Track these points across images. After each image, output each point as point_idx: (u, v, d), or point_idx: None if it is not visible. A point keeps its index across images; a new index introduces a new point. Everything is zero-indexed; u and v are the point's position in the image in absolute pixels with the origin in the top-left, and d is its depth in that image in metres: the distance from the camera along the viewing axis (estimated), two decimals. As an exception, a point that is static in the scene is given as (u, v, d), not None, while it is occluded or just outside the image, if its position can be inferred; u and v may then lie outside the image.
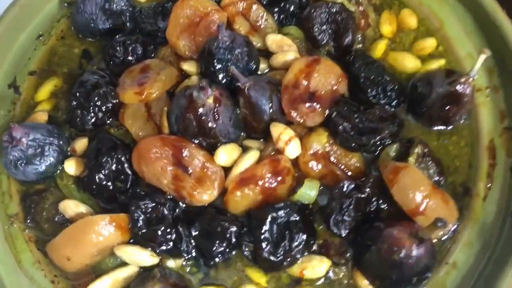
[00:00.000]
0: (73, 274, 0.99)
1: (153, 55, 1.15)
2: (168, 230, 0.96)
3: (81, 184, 1.03)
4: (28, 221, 1.03)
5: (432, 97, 1.03)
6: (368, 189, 0.97)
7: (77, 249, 0.94)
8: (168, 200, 0.98)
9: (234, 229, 0.96)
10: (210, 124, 0.98)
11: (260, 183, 0.96)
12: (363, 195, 0.97)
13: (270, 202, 0.97)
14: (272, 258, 0.93)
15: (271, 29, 1.15)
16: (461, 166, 1.05)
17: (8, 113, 1.14)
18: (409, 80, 1.11)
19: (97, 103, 1.06)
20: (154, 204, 0.96)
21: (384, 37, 1.18)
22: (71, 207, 1.00)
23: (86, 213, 1.00)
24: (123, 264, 0.98)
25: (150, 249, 0.96)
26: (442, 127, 1.07)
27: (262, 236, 0.93)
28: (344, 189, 0.97)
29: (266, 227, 0.94)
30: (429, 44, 1.15)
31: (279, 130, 0.99)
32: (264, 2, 1.19)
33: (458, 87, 1.01)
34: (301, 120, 1.01)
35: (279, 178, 0.97)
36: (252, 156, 1.00)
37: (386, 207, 0.98)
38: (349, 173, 1.02)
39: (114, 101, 1.07)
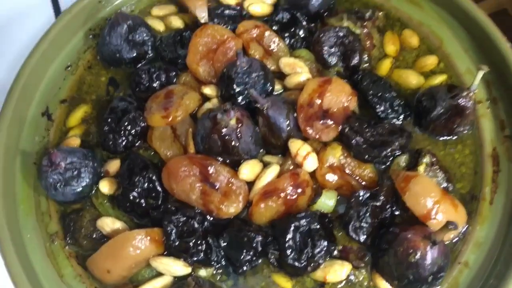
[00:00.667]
0: (112, 285, 1.04)
1: (175, 80, 1.23)
2: (199, 241, 1.02)
3: (116, 202, 1.09)
4: (68, 238, 1.10)
5: (437, 110, 1.11)
6: (382, 197, 1.04)
7: (116, 262, 1.00)
8: (197, 214, 1.05)
9: (259, 238, 1.02)
10: (233, 143, 1.06)
11: (282, 195, 1.03)
12: (378, 203, 1.04)
13: (292, 212, 1.04)
14: (296, 264, 0.99)
15: (284, 53, 1.23)
16: (467, 173, 1.12)
17: (42, 139, 1.21)
18: (414, 95, 1.18)
19: (127, 127, 1.13)
20: (185, 218, 1.03)
21: (388, 56, 1.26)
22: (108, 224, 1.07)
23: (122, 229, 1.06)
24: (159, 274, 1.04)
25: (183, 260, 1.02)
26: (447, 137, 1.15)
27: (287, 244, 1.00)
28: (360, 198, 1.04)
29: (289, 236, 1.00)
30: (431, 61, 1.23)
31: (297, 146, 1.07)
32: (276, 28, 1.27)
33: (460, 101, 1.09)
34: (317, 136, 1.08)
35: (300, 190, 1.04)
36: (273, 171, 1.07)
37: (400, 213, 1.05)
38: (364, 183, 1.09)
39: (143, 125, 1.15)
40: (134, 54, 1.26)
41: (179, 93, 1.16)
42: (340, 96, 1.12)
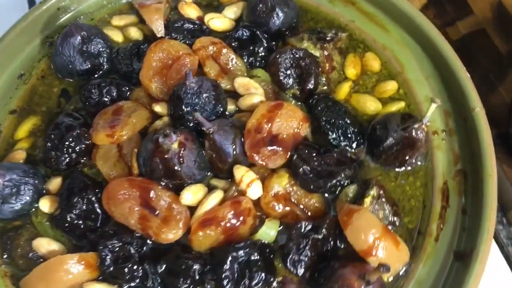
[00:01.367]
0: (45, 309, 1.02)
1: (128, 94, 1.20)
2: (135, 267, 1.00)
3: (54, 222, 1.07)
4: (5, 256, 1.07)
5: (389, 141, 1.08)
6: (325, 230, 1.02)
7: (48, 286, 0.98)
8: (136, 238, 1.02)
9: (197, 267, 1.00)
10: (175, 167, 1.03)
11: (222, 224, 1.01)
12: (319, 236, 1.02)
13: (233, 241, 1.02)
14: (232, 295, 0.98)
15: (241, 72, 1.20)
16: (416, 207, 1.09)
17: (-13, 150, 1.19)
18: (370, 122, 1.16)
19: (70, 145, 1.10)
20: (121, 244, 1.01)
21: (348, 79, 1.23)
22: (44, 245, 1.04)
23: (58, 251, 1.04)
24: (92, 300, 1.02)
25: (117, 286, 1.00)
26: (398, 169, 1.12)
27: (223, 275, 0.98)
28: (302, 229, 1.02)
29: (227, 266, 0.98)
30: (390, 87, 1.21)
31: (241, 173, 1.05)
32: (235, 45, 1.25)
33: (412, 133, 1.06)
34: (263, 163, 1.06)
35: (241, 219, 1.02)
36: (216, 197, 1.05)
37: (344, 246, 1.03)
38: (309, 213, 1.07)
39: (88, 142, 1.12)
40: (88, 66, 1.23)
41: (128, 110, 1.14)
42: (291, 122, 1.09)
